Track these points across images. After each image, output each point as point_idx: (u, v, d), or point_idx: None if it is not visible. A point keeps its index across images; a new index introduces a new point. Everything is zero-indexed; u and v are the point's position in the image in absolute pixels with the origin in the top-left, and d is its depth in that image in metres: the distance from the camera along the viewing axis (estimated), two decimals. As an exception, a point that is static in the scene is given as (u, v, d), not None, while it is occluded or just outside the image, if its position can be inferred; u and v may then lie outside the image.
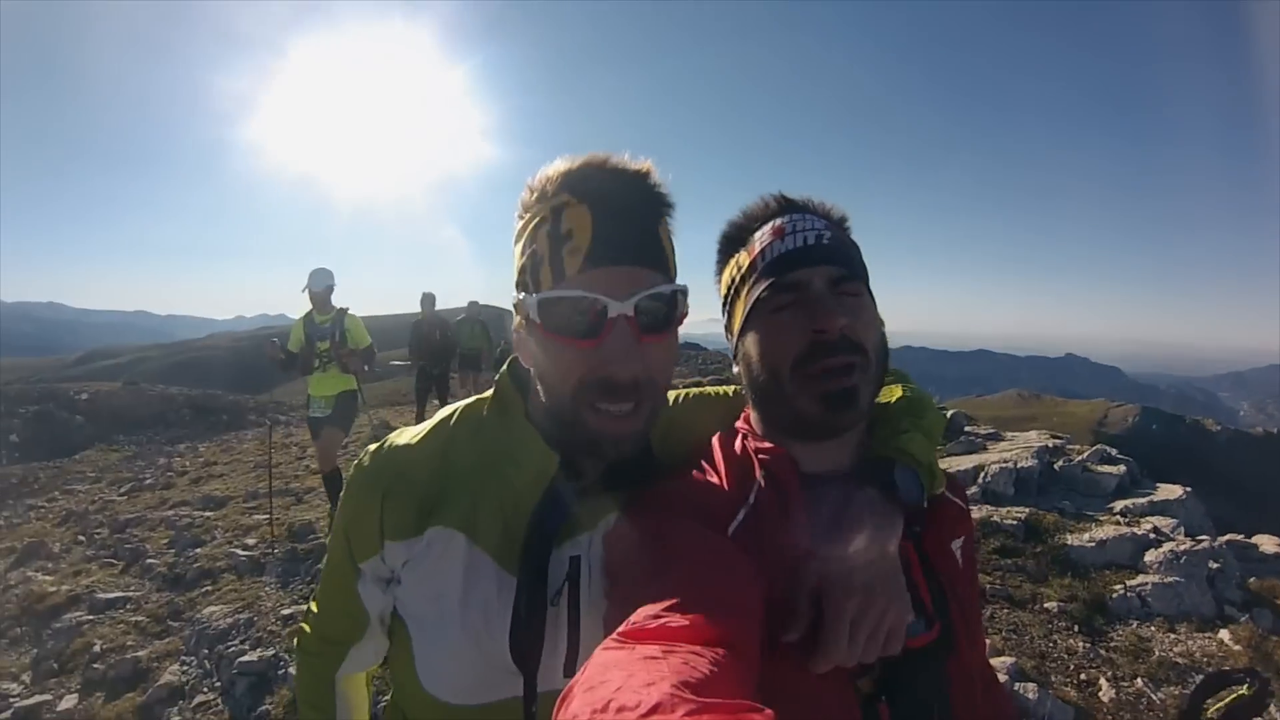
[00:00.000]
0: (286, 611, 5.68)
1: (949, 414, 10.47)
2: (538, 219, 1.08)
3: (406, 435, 1.24)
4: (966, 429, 10.17)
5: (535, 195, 1.10)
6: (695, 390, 1.42)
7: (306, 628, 1.36)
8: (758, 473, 1.15)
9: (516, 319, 1.15)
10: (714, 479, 1.19)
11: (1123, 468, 8.40)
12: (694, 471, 1.23)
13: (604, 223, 1.03)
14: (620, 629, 0.79)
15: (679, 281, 1.12)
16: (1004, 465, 7.93)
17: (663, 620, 0.79)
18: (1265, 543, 6.78)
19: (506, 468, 1.16)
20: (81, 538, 8.12)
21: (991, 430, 10.32)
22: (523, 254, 1.11)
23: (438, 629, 1.14)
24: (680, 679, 0.64)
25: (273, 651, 5.07)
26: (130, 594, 6.28)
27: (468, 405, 1.27)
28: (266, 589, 6.23)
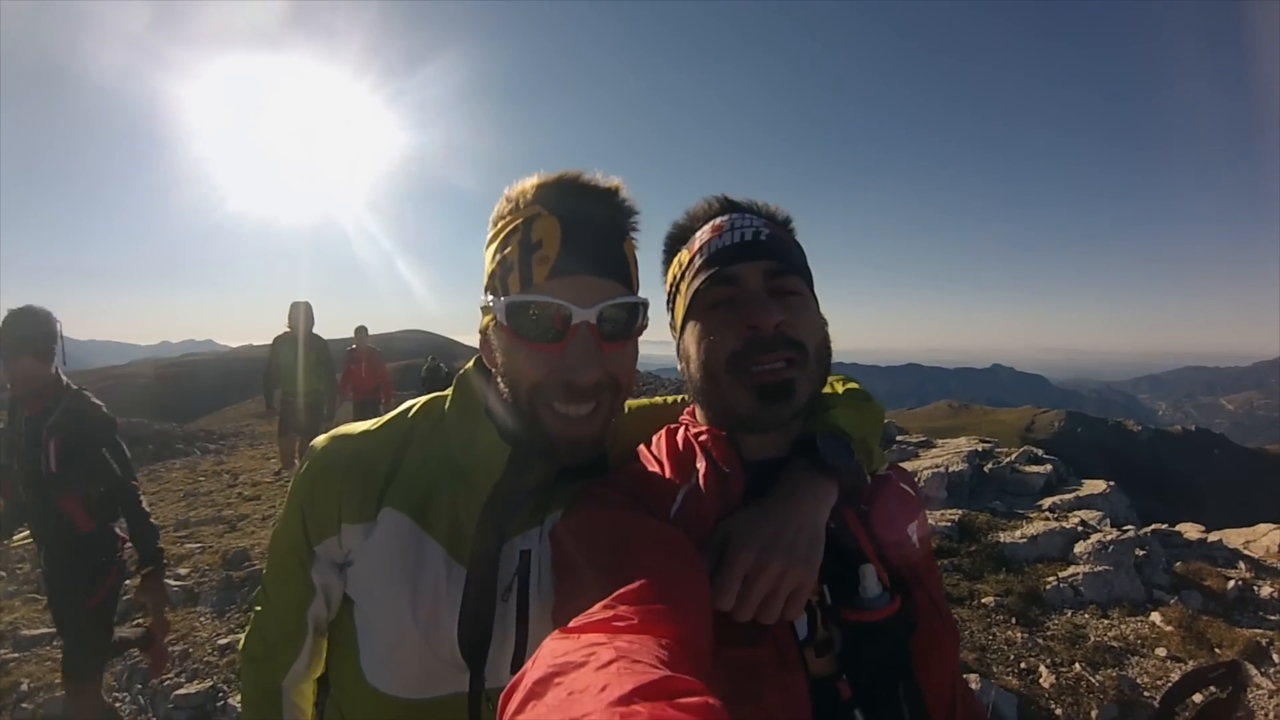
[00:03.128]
0: (223, 641, 5.46)
1: (882, 422, 10.67)
2: (510, 228, 1.12)
3: (363, 425, 1.26)
4: (898, 438, 10.41)
5: (510, 206, 1.14)
6: (647, 401, 1.46)
7: (252, 633, 1.34)
8: (699, 459, 1.17)
9: (483, 320, 1.18)
10: (655, 468, 1.21)
11: (1049, 467, 8.72)
12: (636, 461, 1.25)
13: (572, 234, 1.07)
14: (567, 623, 0.80)
15: (641, 295, 1.17)
16: (936, 470, 8.14)
17: (611, 613, 0.79)
18: (1188, 530, 7.10)
19: (462, 460, 1.18)
20: (2, 573, 7.69)
21: (923, 438, 10.56)
22: (493, 260, 1.14)
23: (386, 616, 1.14)
24: (630, 661, 0.65)
25: (210, 683, 4.86)
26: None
27: (428, 400, 1.29)
28: (201, 619, 5.98)
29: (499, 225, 1.15)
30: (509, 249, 1.11)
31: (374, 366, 11.74)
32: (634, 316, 1.13)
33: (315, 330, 10.02)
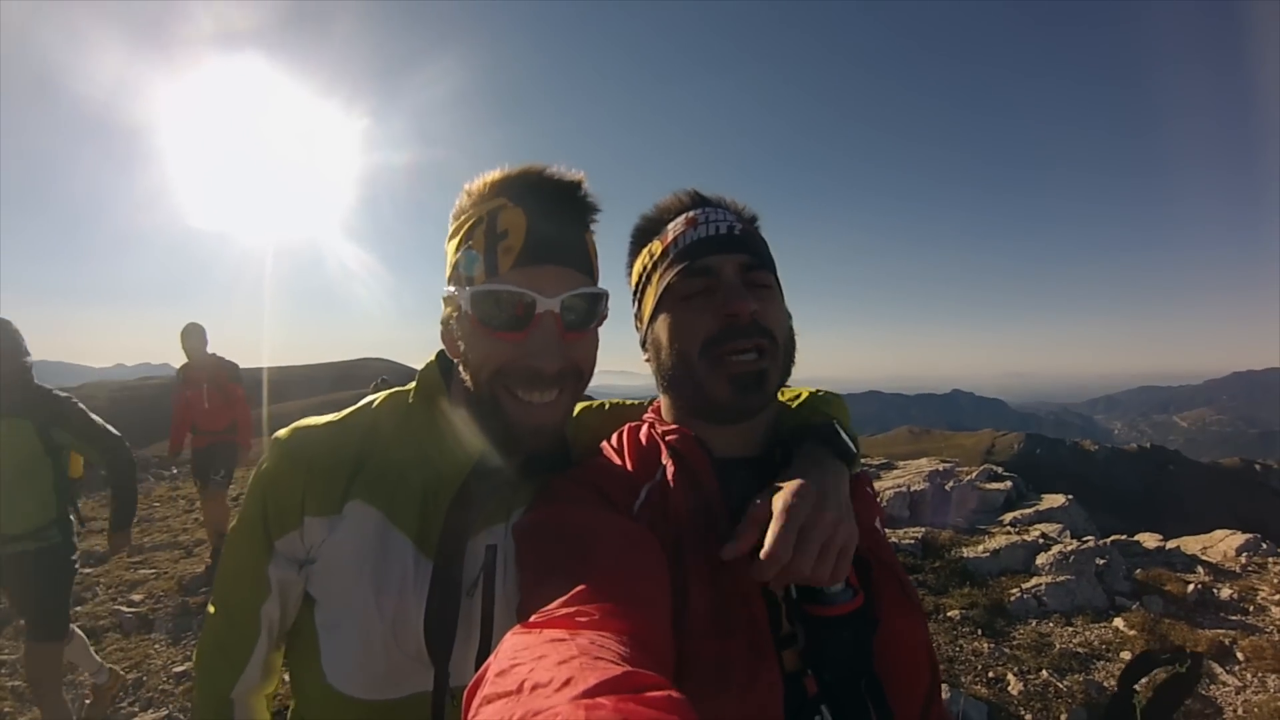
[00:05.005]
0: (179, 669, 5.29)
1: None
2: (474, 219, 1.14)
3: (328, 415, 1.24)
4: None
5: (472, 199, 1.16)
6: (610, 401, 1.46)
7: (204, 637, 1.29)
8: (664, 455, 1.17)
9: (445, 311, 1.19)
10: (617, 463, 1.21)
11: (1009, 483, 8.88)
12: (600, 456, 1.24)
13: (536, 225, 1.10)
14: (529, 619, 0.80)
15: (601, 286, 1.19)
16: (898, 490, 8.23)
17: (573, 609, 0.79)
18: (1147, 539, 7.26)
19: (430, 453, 1.17)
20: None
21: (885, 460, 10.69)
22: (457, 250, 1.16)
23: (349, 612, 1.12)
24: (591, 657, 0.65)
25: (165, 712, 4.70)
26: (5, 657, 5.73)
27: (393, 393, 1.28)
28: (156, 646, 5.79)
29: (461, 218, 1.17)
30: (474, 239, 1.12)
31: (222, 392, 7.29)
32: (595, 307, 1.15)
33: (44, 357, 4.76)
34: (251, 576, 1.18)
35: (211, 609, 1.27)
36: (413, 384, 1.27)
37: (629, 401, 1.44)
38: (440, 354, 1.27)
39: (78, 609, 6.73)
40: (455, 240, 1.17)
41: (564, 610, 0.79)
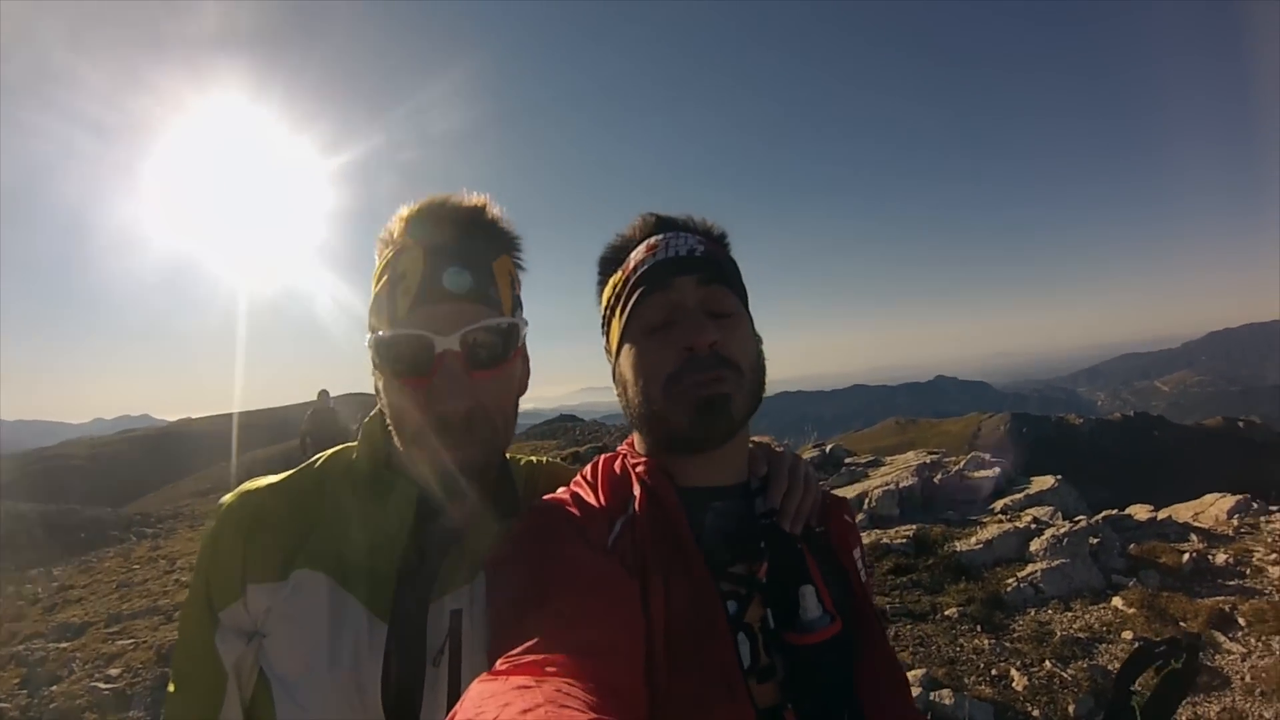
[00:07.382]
0: (159, 744, 5.12)
1: (828, 448, 10.97)
2: (383, 264, 1.12)
3: (271, 478, 1.20)
4: (847, 460, 10.53)
5: (385, 243, 1.15)
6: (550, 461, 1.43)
7: (165, 715, 1.21)
8: (635, 488, 1.14)
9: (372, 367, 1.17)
10: (590, 496, 1.17)
11: (997, 469, 8.87)
12: (574, 488, 1.21)
13: (433, 262, 1.07)
14: (495, 665, 0.78)
15: (522, 315, 1.17)
16: (886, 488, 8.21)
17: (539, 656, 0.77)
18: (1138, 511, 7.28)
19: (375, 511, 1.14)
20: None
21: (871, 458, 10.72)
22: (371, 300, 1.14)
23: (305, 685, 1.05)
24: (558, 705, 0.64)
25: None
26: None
27: (337, 450, 1.25)
28: (133, 725, 5.61)
29: (378, 264, 1.14)
30: (380, 286, 1.10)
31: None
32: (506, 340, 1.11)
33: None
34: (201, 651, 1.11)
35: (171, 687, 1.19)
36: (355, 442, 1.24)
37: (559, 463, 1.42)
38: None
39: (52, 688, 6.52)
40: (373, 289, 1.14)
41: (531, 657, 0.77)
